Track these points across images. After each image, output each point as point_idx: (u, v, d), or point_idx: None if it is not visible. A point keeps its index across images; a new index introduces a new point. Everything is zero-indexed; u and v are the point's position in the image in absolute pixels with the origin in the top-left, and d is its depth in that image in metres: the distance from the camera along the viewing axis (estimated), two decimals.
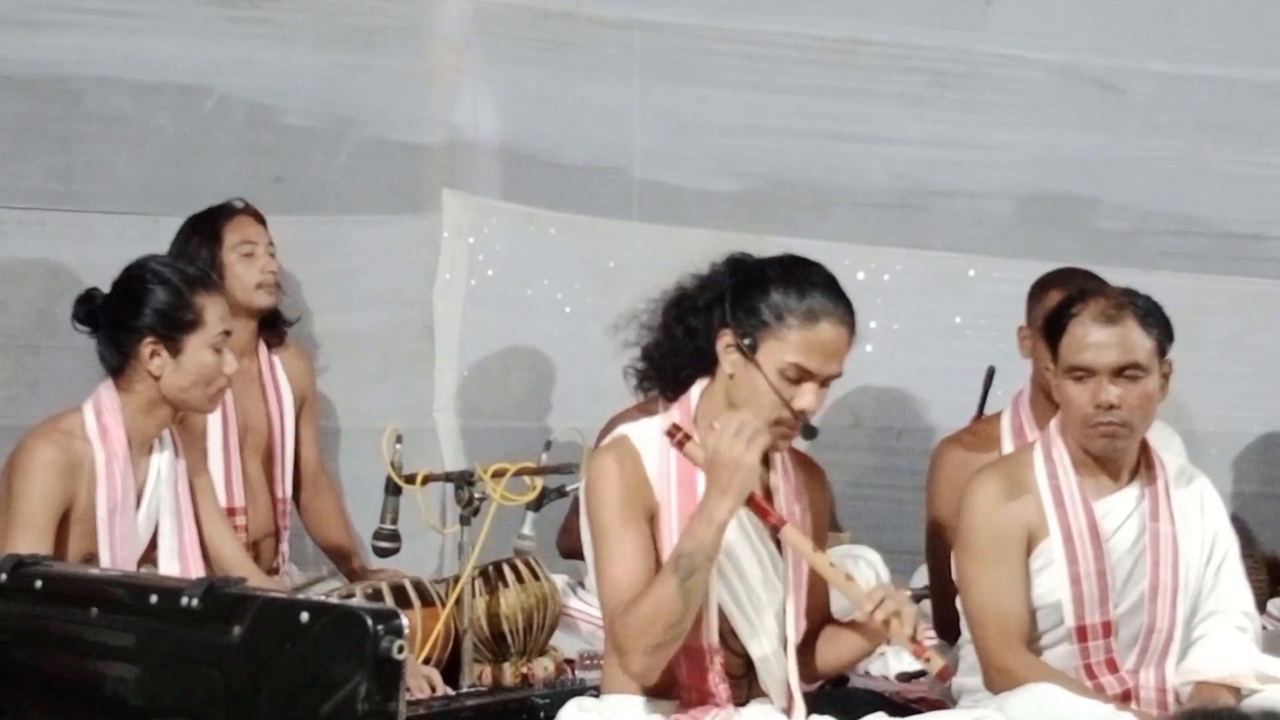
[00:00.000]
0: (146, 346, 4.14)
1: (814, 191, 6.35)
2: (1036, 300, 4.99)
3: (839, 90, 6.30)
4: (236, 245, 5.14)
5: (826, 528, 4.03)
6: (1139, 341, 3.97)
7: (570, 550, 5.05)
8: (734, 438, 3.55)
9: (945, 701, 4.26)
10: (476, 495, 4.50)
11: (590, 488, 3.69)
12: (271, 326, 5.32)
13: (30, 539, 4.01)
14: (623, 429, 3.77)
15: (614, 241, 6.21)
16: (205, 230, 5.16)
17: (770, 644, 3.71)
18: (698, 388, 3.75)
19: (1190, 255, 6.46)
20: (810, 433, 3.67)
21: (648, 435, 3.72)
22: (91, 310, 4.22)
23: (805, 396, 3.63)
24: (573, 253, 6.20)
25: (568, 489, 4.71)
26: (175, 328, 4.13)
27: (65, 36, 5.49)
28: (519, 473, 4.56)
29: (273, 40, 5.77)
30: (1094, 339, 3.95)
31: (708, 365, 3.73)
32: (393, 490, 4.60)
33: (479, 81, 6.08)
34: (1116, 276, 4.87)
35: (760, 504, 3.66)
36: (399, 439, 4.58)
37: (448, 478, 4.65)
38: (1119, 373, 3.95)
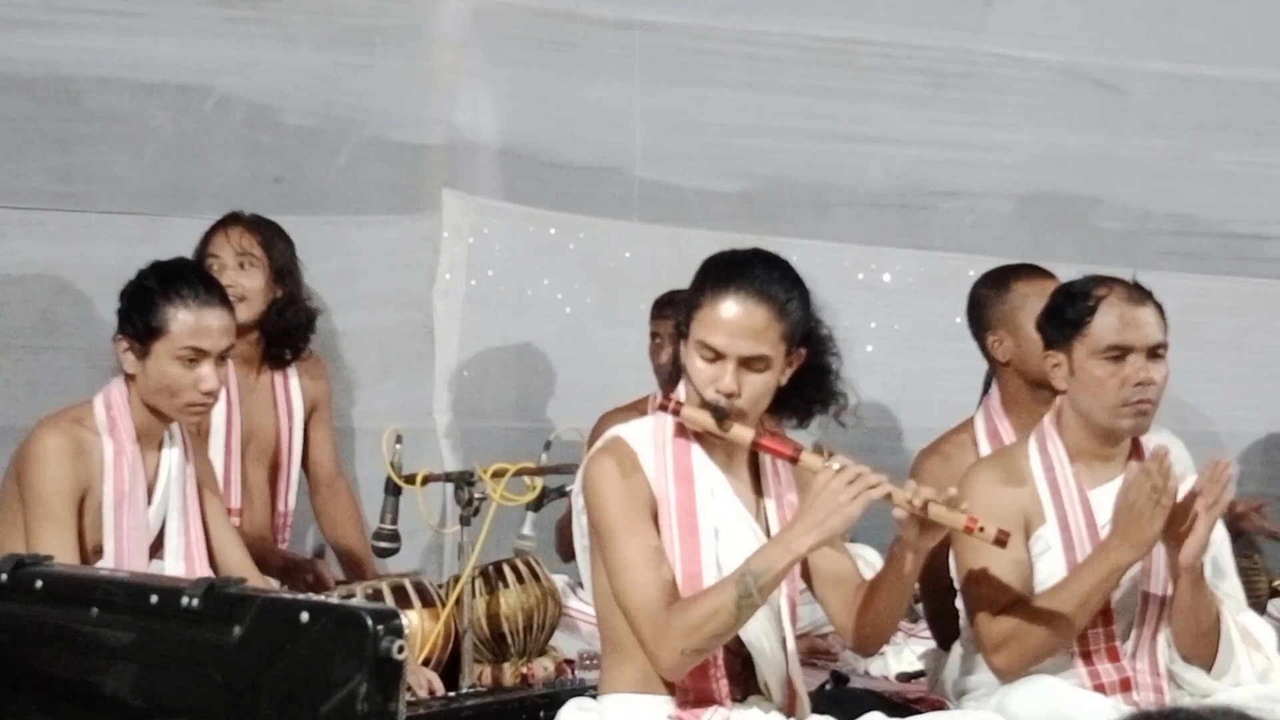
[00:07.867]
0: (120, 343, 4.19)
1: (814, 191, 6.35)
2: (997, 300, 4.69)
3: (839, 90, 6.30)
4: (205, 258, 5.03)
5: None
6: (1161, 322, 4.04)
7: (571, 553, 5.05)
8: (846, 484, 3.50)
9: (945, 702, 4.26)
10: (476, 495, 4.49)
11: (591, 490, 3.65)
12: (277, 345, 5.16)
13: (52, 531, 4.04)
14: (615, 430, 3.75)
15: (614, 241, 6.21)
16: (204, 236, 5.11)
17: (769, 640, 3.70)
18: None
19: (1190, 255, 6.47)
20: (718, 413, 3.58)
21: (641, 434, 3.70)
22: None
23: (723, 379, 3.56)
24: (573, 253, 6.19)
25: (567, 489, 4.70)
26: (141, 333, 4.14)
27: (65, 36, 5.48)
28: (519, 473, 4.56)
29: (273, 40, 5.76)
30: (1133, 318, 4.00)
31: None
32: (392, 490, 4.60)
33: (479, 81, 6.07)
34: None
35: (769, 445, 3.63)
36: (399, 439, 4.58)
37: (448, 478, 4.65)
38: (1153, 351, 4.01)
